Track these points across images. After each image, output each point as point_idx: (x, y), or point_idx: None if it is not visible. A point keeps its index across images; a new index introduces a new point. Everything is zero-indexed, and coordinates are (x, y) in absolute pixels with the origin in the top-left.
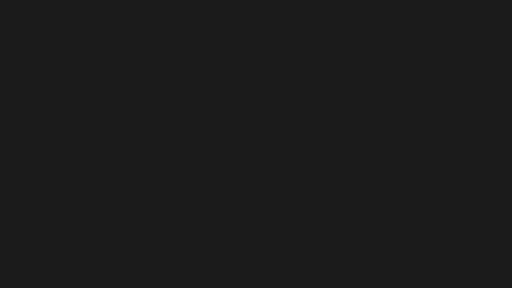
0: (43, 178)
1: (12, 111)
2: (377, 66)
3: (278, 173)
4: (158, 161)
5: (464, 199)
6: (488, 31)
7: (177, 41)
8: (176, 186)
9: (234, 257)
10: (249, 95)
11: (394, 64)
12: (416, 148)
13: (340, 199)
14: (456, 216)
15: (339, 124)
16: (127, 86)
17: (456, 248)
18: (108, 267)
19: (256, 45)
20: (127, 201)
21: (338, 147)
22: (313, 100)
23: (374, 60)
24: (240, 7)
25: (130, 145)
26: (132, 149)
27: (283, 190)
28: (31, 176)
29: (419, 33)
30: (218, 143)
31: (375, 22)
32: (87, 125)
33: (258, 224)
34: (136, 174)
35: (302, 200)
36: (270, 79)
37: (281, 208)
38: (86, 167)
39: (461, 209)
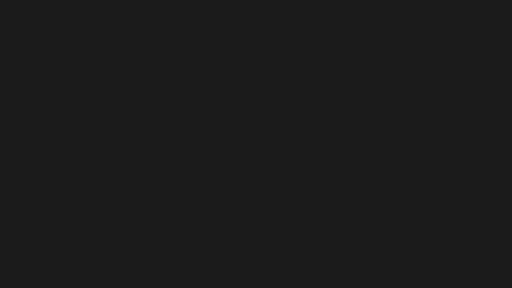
0: (43, 178)
1: (12, 111)
2: (377, 66)
3: (278, 173)
4: (158, 161)
5: (464, 199)
6: (488, 31)
7: (177, 41)
8: (176, 186)
9: (234, 257)
10: (249, 95)
11: (394, 64)
12: (416, 148)
13: (340, 199)
14: (456, 216)
15: (339, 124)
16: (127, 86)
17: (456, 248)
18: (108, 267)
19: (256, 45)
20: (127, 201)
21: (338, 147)
22: (313, 100)
23: (374, 60)
24: (240, 7)
25: (130, 145)
26: (132, 149)
27: (283, 190)
28: (31, 176)
29: (419, 33)
30: (218, 143)
31: (375, 22)
32: (87, 125)
33: (258, 224)
34: (136, 174)
35: (302, 200)
36: (270, 79)
37: (281, 208)
38: (86, 167)
39: (461, 209)
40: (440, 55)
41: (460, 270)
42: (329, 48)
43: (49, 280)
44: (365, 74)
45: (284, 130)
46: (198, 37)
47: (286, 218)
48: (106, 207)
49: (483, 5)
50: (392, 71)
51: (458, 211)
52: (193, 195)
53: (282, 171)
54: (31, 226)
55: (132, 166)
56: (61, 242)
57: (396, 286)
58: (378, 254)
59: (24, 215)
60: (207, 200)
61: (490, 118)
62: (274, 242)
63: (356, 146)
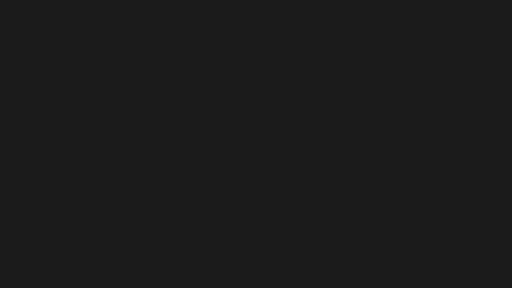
0: (43, 178)
1: (12, 111)
2: (377, 66)
3: (278, 173)
4: (158, 161)
5: (464, 199)
6: (488, 31)
7: (177, 41)
8: (176, 186)
9: (234, 257)
10: (249, 95)
11: (394, 64)
12: (416, 148)
13: (340, 199)
14: (456, 216)
15: (339, 124)
16: (127, 86)
17: (456, 248)
18: (108, 267)
19: (256, 45)
20: (127, 201)
21: (338, 147)
22: (313, 100)
23: (374, 60)
24: (240, 7)
25: (130, 145)
26: (132, 149)
27: (283, 190)
28: (31, 176)
29: (419, 33)
30: (218, 143)
31: (375, 22)
32: (87, 125)
33: (258, 224)
34: (136, 174)
35: (302, 200)
36: (270, 79)
37: (281, 208)
38: (86, 167)
39: (461, 209)
40: (440, 55)
41: (460, 270)
42: (329, 48)
43: (49, 280)
44: (365, 74)
45: (284, 130)
46: (198, 37)
47: (286, 218)
48: (106, 207)
49: (483, 5)
50: (392, 71)
51: (458, 211)
52: (193, 195)
53: (282, 171)
54: (31, 226)
55: (132, 166)
56: (61, 242)
57: (396, 286)
58: (378, 254)
59: (24, 215)
60: (207, 200)
61: (490, 118)
62: (274, 242)
63: (356, 146)
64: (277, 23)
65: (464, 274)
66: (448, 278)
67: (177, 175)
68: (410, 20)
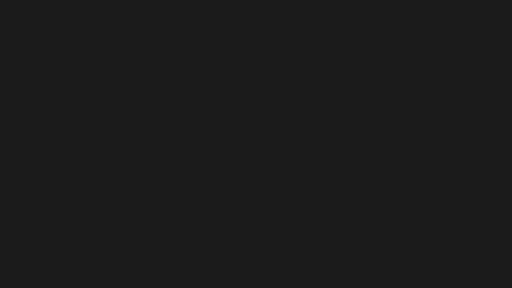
0: (43, 178)
1: (12, 111)
2: (377, 66)
3: (278, 173)
4: (158, 161)
5: (464, 199)
6: (488, 31)
7: (177, 41)
8: (176, 186)
9: (234, 257)
10: (249, 95)
11: (394, 64)
12: (416, 148)
13: (340, 199)
14: (456, 216)
15: (339, 124)
16: (127, 86)
17: (456, 248)
18: (108, 267)
19: (256, 45)
20: (127, 201)
21: (338, 147)
22: (313, 100)
23: (374, 60)
24: (240, 7)
25: (130, 145)
26: (132, 149)
27: (283, 190)
28: (31, 176)
29: (419, 33)
30: (218, 143)
31: (375, 22)
32: (87, 125)
33: (258, 224)
34: (136, 174)
35: (302, 200)
36: (270, 79)
37: (281, 208)
38: (86, 167)
39: (461, 209)
40: (440, 55)
41: (460, 270)
42: (329, 48)
43: (49, 280)
44: (365, 74)
45: (284, 130)
46: (198, 37)
47: (286, 218)
48: (106, 207)
49: (483, 5)
50: (392, 71)
51: (458, 211)
52: (193, 195)
53: (282, 171)
54: (31, 226)
55: (132, 166)
56: (61, 242)
57: (396, 286)
58: (378, 254)
59: (24, 215)
60: (207, 200)
61: (490, 118)
62: (274, 242)
63: (356, 146)
64: (277, 23)
65: (464, 274)
66: (448, 278)
67: (177, 175)
68: (410, 20)
